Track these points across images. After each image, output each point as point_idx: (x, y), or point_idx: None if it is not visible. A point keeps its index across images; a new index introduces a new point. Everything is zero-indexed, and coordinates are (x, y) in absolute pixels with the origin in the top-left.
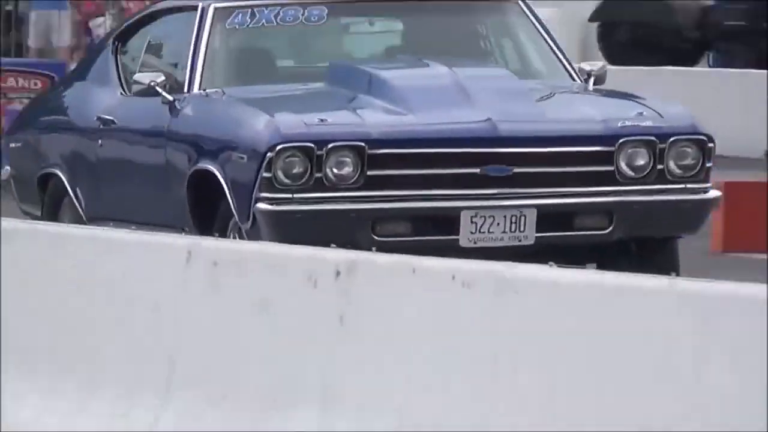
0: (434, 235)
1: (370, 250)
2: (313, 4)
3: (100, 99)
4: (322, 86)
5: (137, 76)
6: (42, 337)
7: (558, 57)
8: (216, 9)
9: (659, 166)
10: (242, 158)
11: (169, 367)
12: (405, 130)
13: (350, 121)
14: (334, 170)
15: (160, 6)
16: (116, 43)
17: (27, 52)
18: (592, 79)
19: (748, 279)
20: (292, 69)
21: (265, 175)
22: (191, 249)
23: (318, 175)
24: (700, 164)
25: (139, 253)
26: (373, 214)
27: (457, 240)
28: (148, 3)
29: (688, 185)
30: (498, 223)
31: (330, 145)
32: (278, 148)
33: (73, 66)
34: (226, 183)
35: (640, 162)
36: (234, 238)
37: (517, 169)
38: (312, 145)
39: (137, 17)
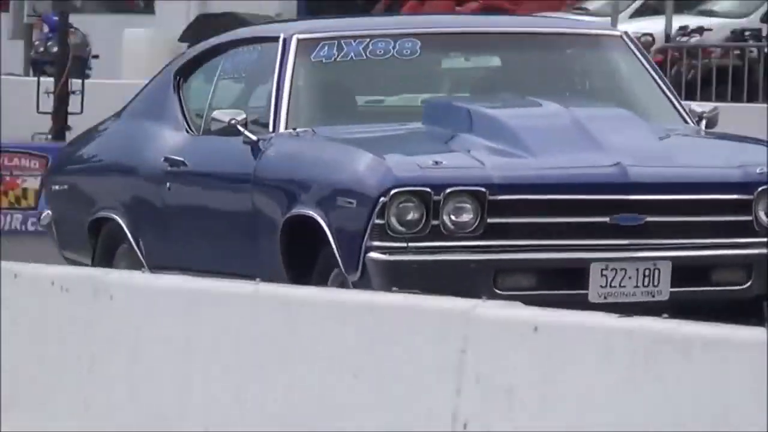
0: (561, 289)
1: None
2: (405, 36)
3: (164, 138)
4: (421, 126)
5: (216, 114)
6: None
7: (668, 97)
8: (299, 40)
9: None
10: (350, 203)
11: None
12: (529, 174)
13: (468, 164)
14: (452, 217)
15: (230, 37)
16: (178, 77)
17: None
18: (704, 122)
19: None
20: (384, 107)
21: (377, 221)
22: None
23: (434, 222)
24: None
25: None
26: (496, 265)
27: (586, 294)
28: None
29: None
30: (630, 277)
31: (448, 190)
32: (392, 192)
33: None
34: (330, 230)
35: None
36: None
37: (649, 218)
38: (428, 189)
39: (201, 50)
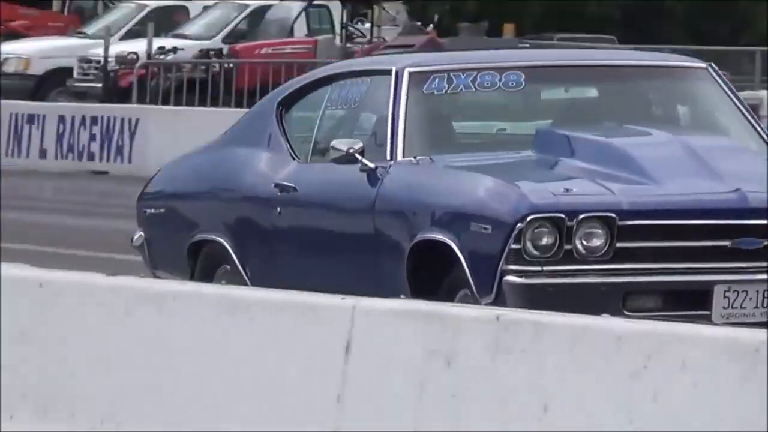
0: (685, 309)
1: None
2: (510, 69)
3: (270, 165)
4: (532, 154)
5: (334, 143)
6: None
7: (753, 126)
8: (411, 74)
9: None
10: (485, 229)
11: None
12: (656, 201)
13: (597, 191)
14: (584, 242)
15: (337, 70)
16: (280, 107)
17: None
18: None
19: None
20: (494, 136)
21: (514, 246)
22: None
23: (567, 246)
24: None
25: None
26: (625, 287)
27: (710, 315)
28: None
29: None
30: (750, 298)
31: (581, 216)
32: (529, 218)
33: None
34: (463, 254)
35: None
36: None
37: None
38: (562, 215)
39: (306, 81)
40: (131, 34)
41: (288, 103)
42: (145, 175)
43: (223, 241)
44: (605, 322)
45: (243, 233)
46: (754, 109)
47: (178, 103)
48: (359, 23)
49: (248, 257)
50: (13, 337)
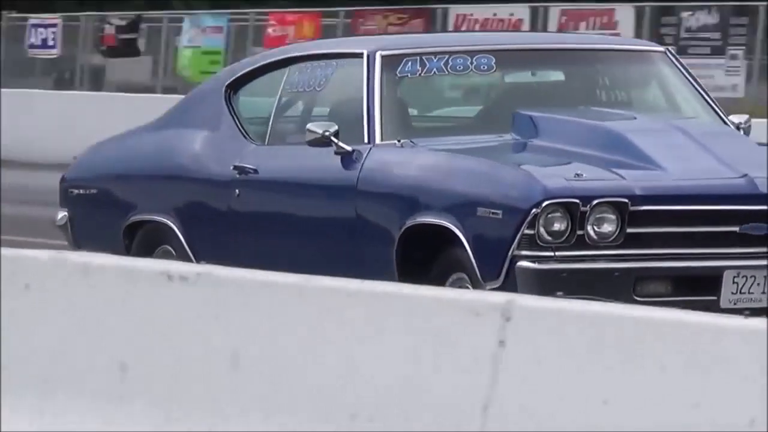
0: (694, 295)
1: None
2: (480, 53)
3: (221, 147)
4: (517, 137)
5: (310, 126)
6: None
7: (713, 107)
8: (384, 57)
9: None
10: (494, 213)
11: None
12: (667, 186)
13: (608, 176)
14: (595, 227)
15: (294, 53)
16: (229, 90)
17: None
18: (742, 131)
19: None
20: (469, 119)
21: (527, 232)
22: None
23: (579, 232)
24: None
25: None
26: (637, 273)
27: (717, 301)
28: None
29: None
30: (758, 284)
31: (594, 202)
32: (544, 204)
33: None
34: (466, 238)
35: None
36: None
37: None
38: (576, 201)
39: (257, 65)
40: None
41: (237, 85)
42: None
43: (167, 221)
44: None
45: (191, 214)
46: None
47: None
48: None
49: (197, 238)
50: None
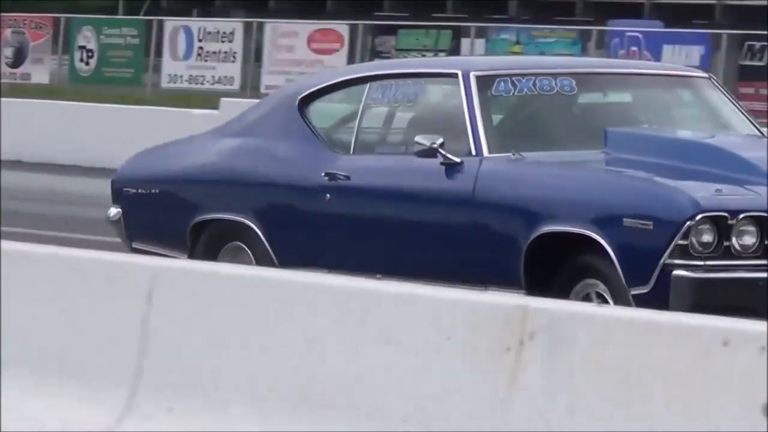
0: None
1: None
2: (562, 75)
3: (303, 155)
4: (615, 153)
5: (419, 138)
6: None
7: (756, 127)
8: (478, 77)
9: None
10: (645, 225)
11: None
12: None
13: (745, 192)
14: (739, 240)
15: (376, 71)
16: (303, 102)
17: None
18: None
19: None
20: (559, 135)
21: (680, 242)
22: None
23: (726, 243)
24: None
25: None
26: None
27: None
28: None
29: None
30: None
31: (741, 216)
32: (697, 217)
33: None
34: (611, 247)
35: None
36: (591, 300)
37: None
38: (726, 214)
39: (334, 80)
40: None
41: (311, 98)
42: None
43: (244, 220)
44: None
45: (273, 215)
46: None
47: None
48: None
49: (278, 237)
50: None
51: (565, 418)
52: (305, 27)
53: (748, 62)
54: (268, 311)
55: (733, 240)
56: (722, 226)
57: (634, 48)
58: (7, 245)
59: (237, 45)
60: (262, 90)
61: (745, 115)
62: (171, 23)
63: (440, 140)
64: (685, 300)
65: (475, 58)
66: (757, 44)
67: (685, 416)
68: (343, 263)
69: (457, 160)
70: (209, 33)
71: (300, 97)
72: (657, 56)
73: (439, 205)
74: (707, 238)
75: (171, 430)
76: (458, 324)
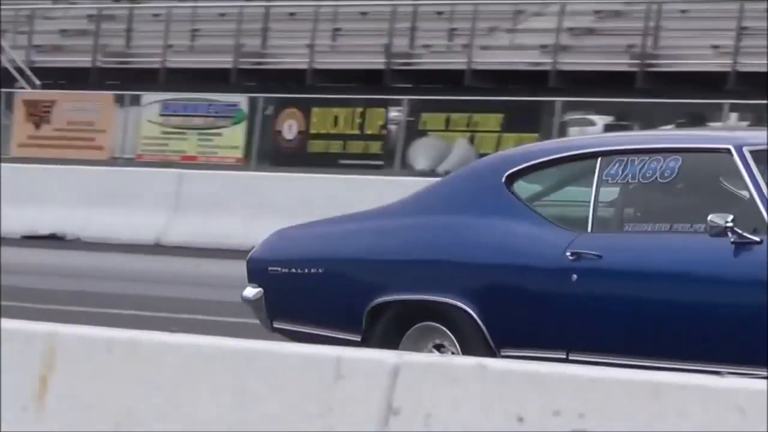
0: None
1: None
2: None
3: (530, 234)
4: None
5: (712, 217)
6: None
7: None
8: (752, 152)
9: None
10: None
11: None
12: None
13: None
14: None
15: (597, 147)
16: (510, 179)
17: None
18: None
19: None
20: None
21: None
22: None
23: None
24: None
25: None
26: None
27: None
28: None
29: None
30: None
31: None
32: None
33: None
34: None
35: None
36: None
37: None
38: None
39: (550, 157)
40: None
41: (519, 174)
42: None
43: (454, 302)
44: None
45: (493, 295)
46: None
47: None
48: None
49: (499, 319)
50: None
51: None
52: None
53: None
54: None
55: None
56: None
57: None
58: None
59: None
60: None
61: None
62: None
63: (730, 218)
64: None
65: (734, 132)
66: None
67: None
68: (591, 345)
69: (757, 239)
70: None
71: (506, 173)
72: None
73: (727, 285)
74: None
75: None
76: None
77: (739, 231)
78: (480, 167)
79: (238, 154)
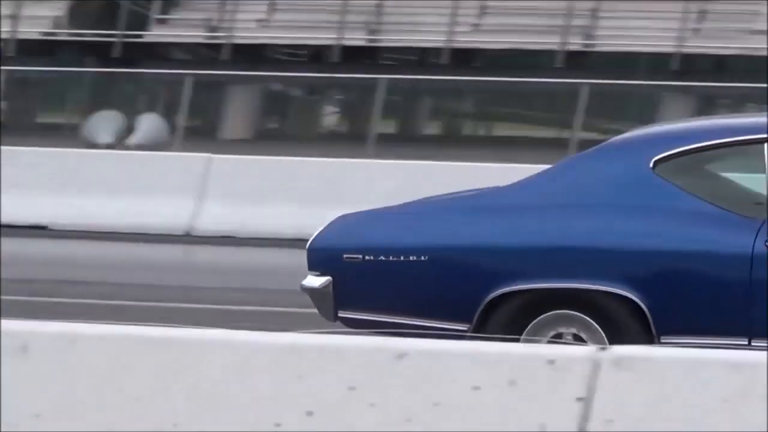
0: None
1: None
2: None
3: (703, 222)
4: None
5: None
6: None
7: None
8: None
9: None
10: None
11: None
12: None
13: None
14: None
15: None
16: (657, 165)
17: None
18: None
19: None
20: None
21: None
22: None
23: None
24: None
25: None
26: None
27: None
28: None
29: None
30: None
31: None
32: None
33: None
34: None
35: None
36: None
37: None
38: None
39: (707, 143)
40: None
41: (667, 160)
42: None
43: (621, 291)
44: None
45: (663, 284)
46: None
47: None
48: None
49: (671, 307)
50: None
51: None
52: None
53: None
54: None
55: None
56: None
57: None
58: None
59: None
60: None
61: None
62: None
63: None
64: None
65: None
66: None
67: None
68: None
69: None
70: None
71: (654, 159)
72: None
73: None
74: None
75: None
76: None
77: None
78: (616, 150)
79: None
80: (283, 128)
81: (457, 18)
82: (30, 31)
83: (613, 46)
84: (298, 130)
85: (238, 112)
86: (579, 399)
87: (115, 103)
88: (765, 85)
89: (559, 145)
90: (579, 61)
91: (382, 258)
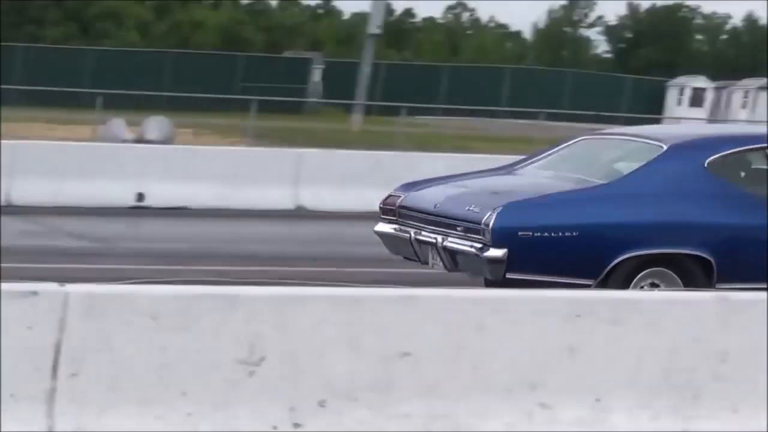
0: None
1: None
2: None
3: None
4: None
5: None
6: None
7: None
8: None
9: None
10: None
11: None
12: None
13: None
14: None
15: None
16: (710, 166)
17: None
18: None
19: None
20: None
21: None
22: None
23: None
24: None
25: None
26: None
27: None
28: None
29: None
30: None
31: None
32: None
33: None
34: None
35: None
36: None
37: None
38: None
39: (744, 147)
40: None
41: (723, 160)
42: None
43: (700, 253)
44: None
45: (729, 248)
46: None
47: None
48: None
49: (729, 265)
50: None
51: None
52: None
53: None
54: None
55: None
56: None
57: None
58: None
59: None
60: None
61: None
62: None
63: None
64: None
65: None
66: None
67: None
68: None
69: None
70: None
71: (707, 161)
72: None
73: None
74: None
75: None
76: None
77: None
78: (680, 153)
79: None
80: None
81: None
82: None
83: None
84: None
85: None
86: None
87: None
88: None
89: None
90: None
91: (546, 234)
